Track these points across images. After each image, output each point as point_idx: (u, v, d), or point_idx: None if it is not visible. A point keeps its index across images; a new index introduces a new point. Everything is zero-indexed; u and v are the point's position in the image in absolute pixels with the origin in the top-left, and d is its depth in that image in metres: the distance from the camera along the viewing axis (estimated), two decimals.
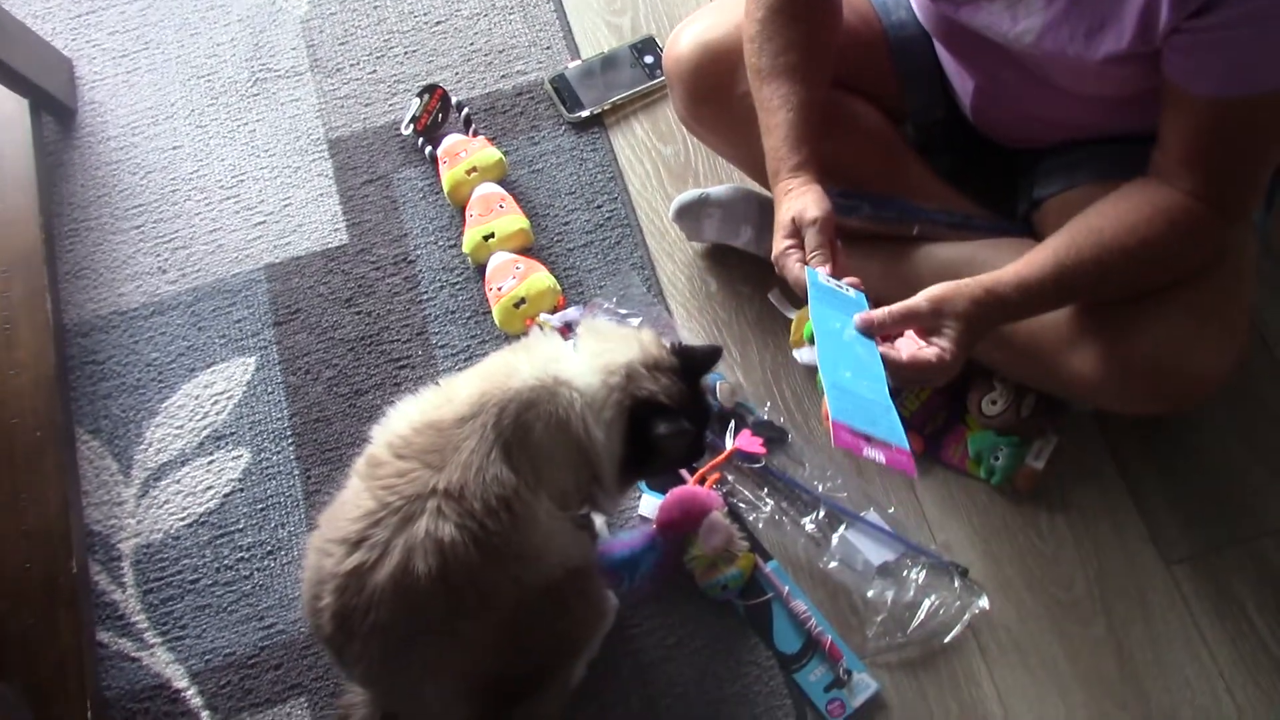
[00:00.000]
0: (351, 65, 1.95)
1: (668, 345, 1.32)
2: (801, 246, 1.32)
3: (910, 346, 1.23)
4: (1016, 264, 1.25)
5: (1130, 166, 1.36)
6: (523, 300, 1.64)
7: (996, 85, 1.44)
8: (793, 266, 1.32)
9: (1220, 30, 1.12)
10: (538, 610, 1.24)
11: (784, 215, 1.35)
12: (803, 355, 1.57)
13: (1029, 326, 1.39)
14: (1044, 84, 1.34)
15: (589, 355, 1.27)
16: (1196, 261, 1.29)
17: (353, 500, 1.20)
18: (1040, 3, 1.22)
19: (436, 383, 1.32)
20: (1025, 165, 1.56)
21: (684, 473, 1.55)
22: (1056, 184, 1.49)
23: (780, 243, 1.34)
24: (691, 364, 1.32)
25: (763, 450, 1.57)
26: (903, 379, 1.23)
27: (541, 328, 1.63)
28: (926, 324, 1.23)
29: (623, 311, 1.65)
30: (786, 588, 1.48)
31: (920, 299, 1.23)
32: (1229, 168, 1.22)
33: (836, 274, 1.30)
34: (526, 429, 1.21)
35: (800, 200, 1.34)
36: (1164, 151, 1.24)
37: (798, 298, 1.63)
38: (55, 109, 1.88)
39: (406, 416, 1.24)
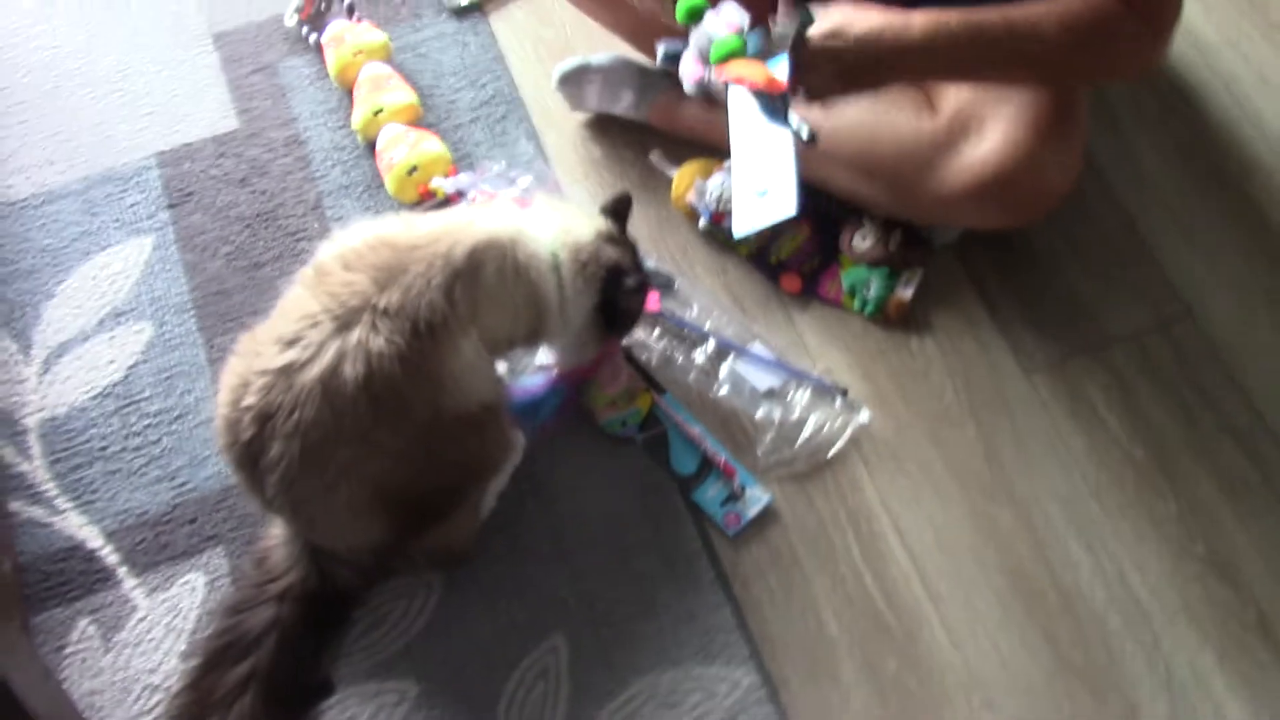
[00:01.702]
0: None
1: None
2: None
3: None
4: (925, 13, 1.30)
5: None
6: (415, 168, 1.70)
7: None
8: None
9: None
10: (450, 432, 1.31)
11: None
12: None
13: (891, 155, 1.51)
14: None
15: (554, 223, 1.39)
16: (1127, 65, 1.39)
17: (293, 303, 1.26)
18: None
19: None
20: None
21: None
22: None
23: None
24: (617, 217, 1.47)
25: (657, 307, 1.66)
26: None
27: (435, 194, 1.71)
28: (809, 63, 1.29)
29: (513, 174, 1.72)
30: (681, 416, 1.58)
31: (816, 31, 1.28)
32: None
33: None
34: (478, 266, 1.29)
35: None
36: None
37: (679, 159, 1.75)
38: None
39: (363, 232, 1.31)
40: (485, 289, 1.30)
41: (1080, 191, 1.58)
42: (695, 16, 1.31)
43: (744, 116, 1.30)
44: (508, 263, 1.32)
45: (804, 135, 1.26)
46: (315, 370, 1.21)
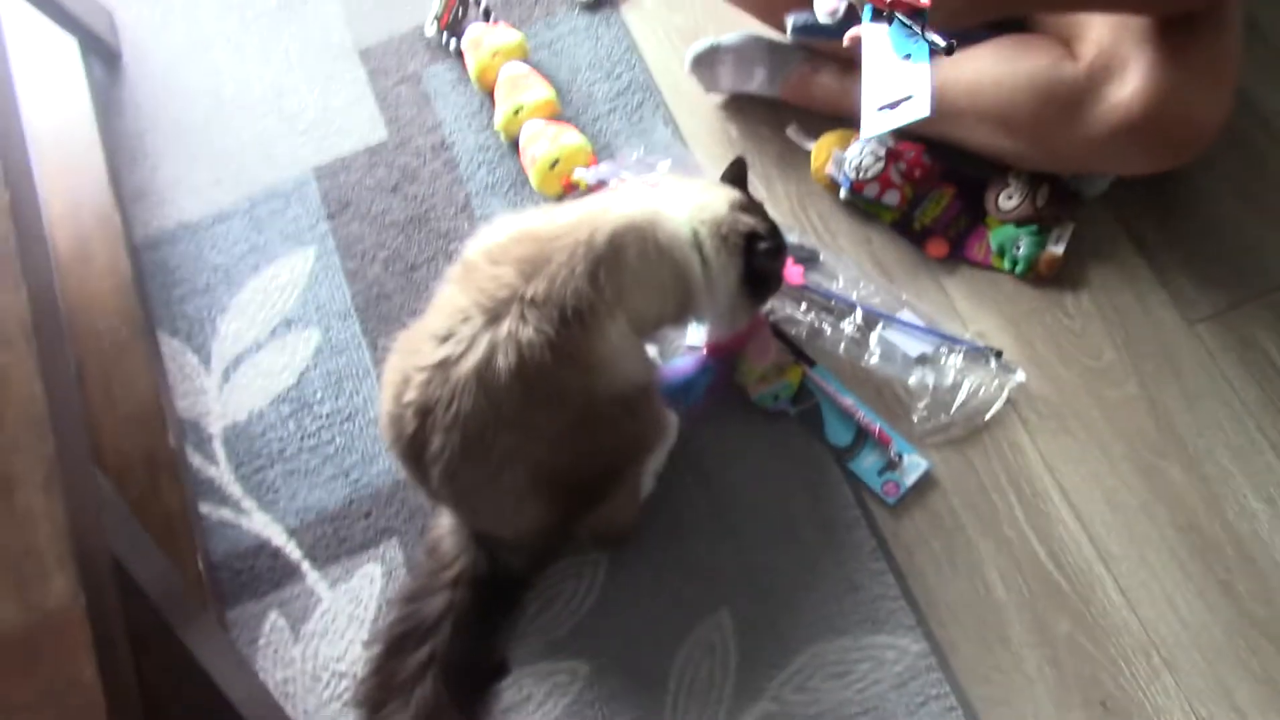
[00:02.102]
0: None
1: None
2: None
3: None
4: None
5: None
6: (557, 161, 1.74)
7: None
8: None
9: None
10: (605, 414, 1.34)
11: None
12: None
13: (1034, 104, 1.48)
14: None
15: (688, 200, 1.41)
16: None
17: (445, 300, 1.32)
18: None
19: None
20: None
21: None
22: None
23: None
24: (738, 181, 1.49)
25: (801, 281, 1.66)
26: None
27: (578, 185, 1.74)
28: None
29: (652, 159, 1.75)
30: (833, 387, 1.58)
31: None
32: None
33: None
34: (620, 250, 1.32)
35: None
36: None
37: (817, 132, 1.74)
38: (102, 52, 2.00)
39: (506, 227, 1.36)
40: (630, 272, 1.32)
41: (1237, 129, 1.54)
42: None
43: (878, 39, 1.27)
44: (649, 244, 1.34)
45: (941, 44, 1.20)
46: (470, 363, 1.25)
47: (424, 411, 1.28)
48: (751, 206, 1.47)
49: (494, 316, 1.27)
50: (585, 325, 1.29)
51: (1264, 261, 1.60)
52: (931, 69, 1.19)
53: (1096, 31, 1.46)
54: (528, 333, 1.25)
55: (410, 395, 1.29)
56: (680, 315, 1.45)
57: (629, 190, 1.41)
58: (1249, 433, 1.50)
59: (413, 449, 1.32)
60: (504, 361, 1.25)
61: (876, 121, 1.22)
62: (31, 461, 1.01)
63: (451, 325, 1.28)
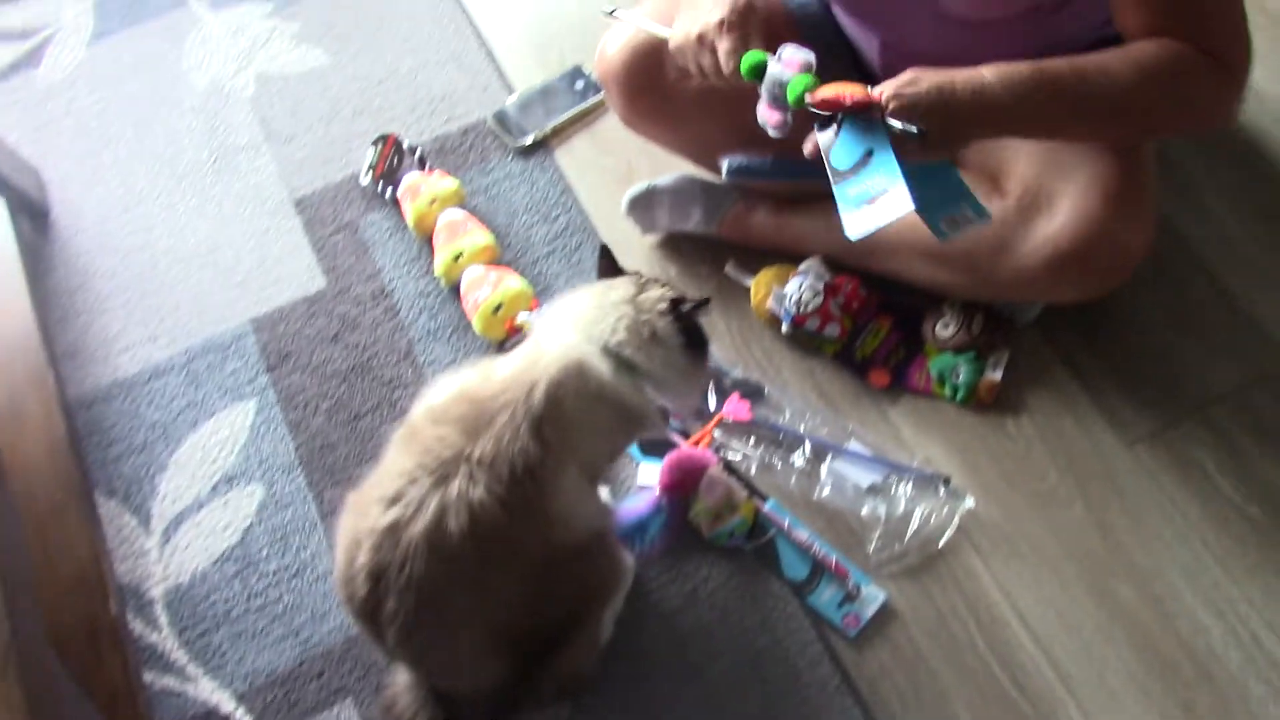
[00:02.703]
0: (305, 131, 2.08)
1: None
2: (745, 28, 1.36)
3: None
4: (996, 67, 1.29)
5: None
6: (500, 305, 1.75)
7: (899, 35, 1.59)
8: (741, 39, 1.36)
9: None
10: (561, 564, 1.33)
11: None
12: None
13: (968, 243, 1.53)
14: (944, 21, 1.49)
15: (588, 323, 1.38)
16: (1208, 109, 1.36)
17: (391, 463, 1.30)
18: None
19: None
20: None
21: (677, 437, 1.66)
22: None
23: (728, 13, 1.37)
24: (614, 268, 1.48)
25: (749, 416, 1.67)
26: None
27: (522, 329, 1.75)
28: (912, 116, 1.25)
29: None
30: (787, 521, 1.58)
31: (883, 86, 1.25)
32: (1206, 29, 1.30)
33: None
34: (557, 403, 1.30)
35: None
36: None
37: (753, 268, 1.78)
38: (30, 210, 1.98)
39: (446, 389, 1.35)
40: (573, 422, 1.31)
41: (1160, 256, 1.59)
42: (759, 71, 1.32)
43: (836, 140, 1.28)
44: (584, 388, 1.33)
45: (914, 130, 1.21)
46: (420, 526, 1.23)
47: (376, 575, 1.26)
48: (640, 279, 1.44)
49: (442, 478, 1.25)
50: (537, 480, 1.28)
51: (1193, 380, 1.66)
52: (902, 163, 1.20)
53: (1022, 167, 1.52)
54: (479, 493, 1.24)
55: (361, 559, 1.27)
56: (635, 436, 1.46)
57: (550, 332, 1.39)
58: (1194, 549, 1.53)
59: (366, 610, 1.29)
60: (455, 523, 1.23)
61: (859, 222, 1.22)
62: None
63: (399, 487, 1.26)
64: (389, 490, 1.27)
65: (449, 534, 1.23)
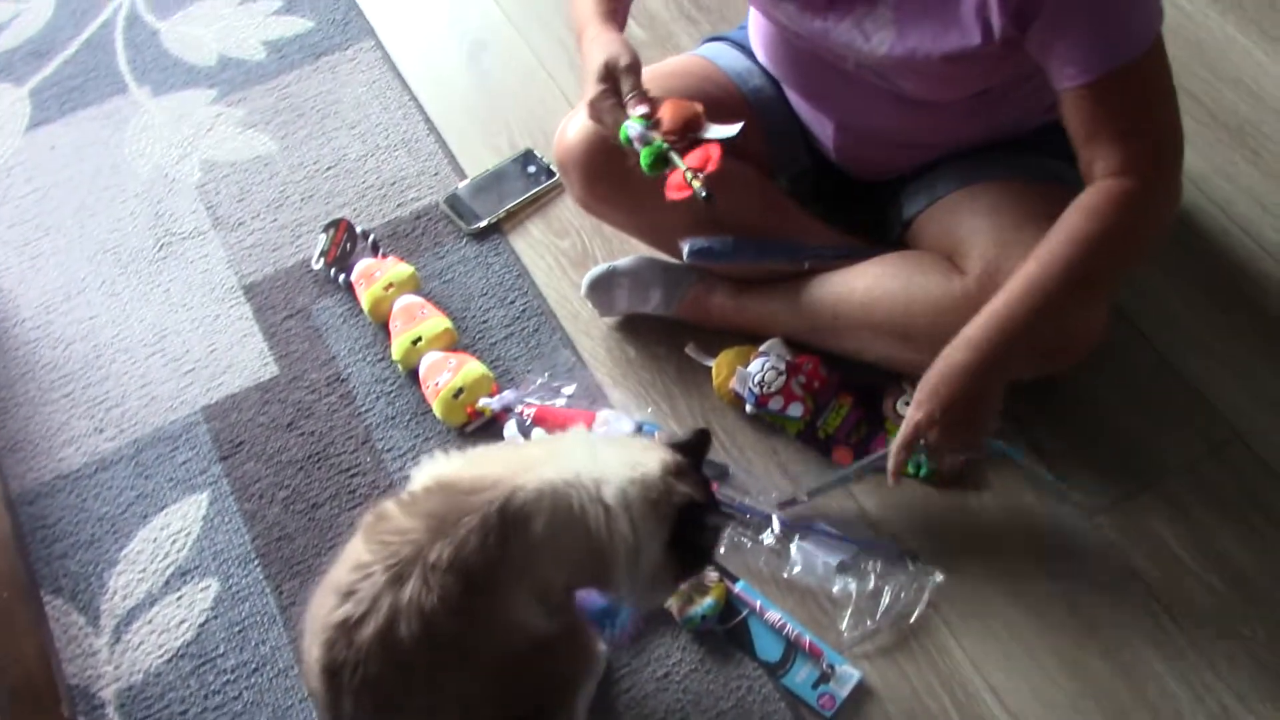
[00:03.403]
0: (253, 218, 2.06)
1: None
2: (616, 93, 1.45)
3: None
4: (992, 311, 1.42)
5: (987, 167, 1.56)
6: (461, 390, 1.73)
7: (853, 118, 1.64)
8: (609, 111, 1.45)
9: (1054, 31, 1.31)
10: (524, 661, 1.30)
11: (594, 62, 1.46)
12: None
13: (928, 318, 1.56)
14: (897, 102, 1.54)
15: (616, 462, 1.33)
16: (1154, 232, 1.43)
17: (351, 550, 1.26)
18: (888, 15, 1.41)
19: (390, 484, 1.47)
20: (891, 194, 1.75)
21: None
22: (922, 200, 1.67)
23: (593, 88, 1.46)
24: (693, 453, 1.40)
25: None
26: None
27: (483, 413, 1.74)
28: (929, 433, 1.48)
29: (556, 384, 1.76)
30: (758, 602, 1.58)
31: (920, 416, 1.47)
32: (1137, 124, 1.36)
33: (650, 116, 1.42)
34: (526, 520, 1.25)
35: (611, 48, 1.46)
36: (1079, 143, 1.39)
37: (713, 348, 1.79)
38: None
39: (430, 470, 1.32)
40: (534, 544, 1.26)
41: (1112, 335, 1.63)
42: (663, 163, 1.41)
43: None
44: (560, 514, 1.27)
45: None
46: (372, 627, 1.20)
47: (331, 672, 1.22)
48: (690, 474, 1.37)
49: (397, 577, 1.21)
50: (494, 591, 1.24)
51: (1149, 453, 1.69)
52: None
53: (980, 246, 1.55)
54: (431, 600, 1.19)
55: (315, 653, 1.24)
56: (594, 583, 1.39)
57: (564, 441, 1.37)
58: (1158, 618, 1.55)
59: (327, 704, 1.25)
60: (407, 630, 1.19)
61: None
62: None
63: (354, 580, 1.23)
64: (343, 582, 1.23)
65: (401, 639, 1.19)
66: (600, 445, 1.38)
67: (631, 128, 1.42)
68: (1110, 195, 1.37)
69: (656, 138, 1.40)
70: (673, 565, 1.36)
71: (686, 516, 1.32)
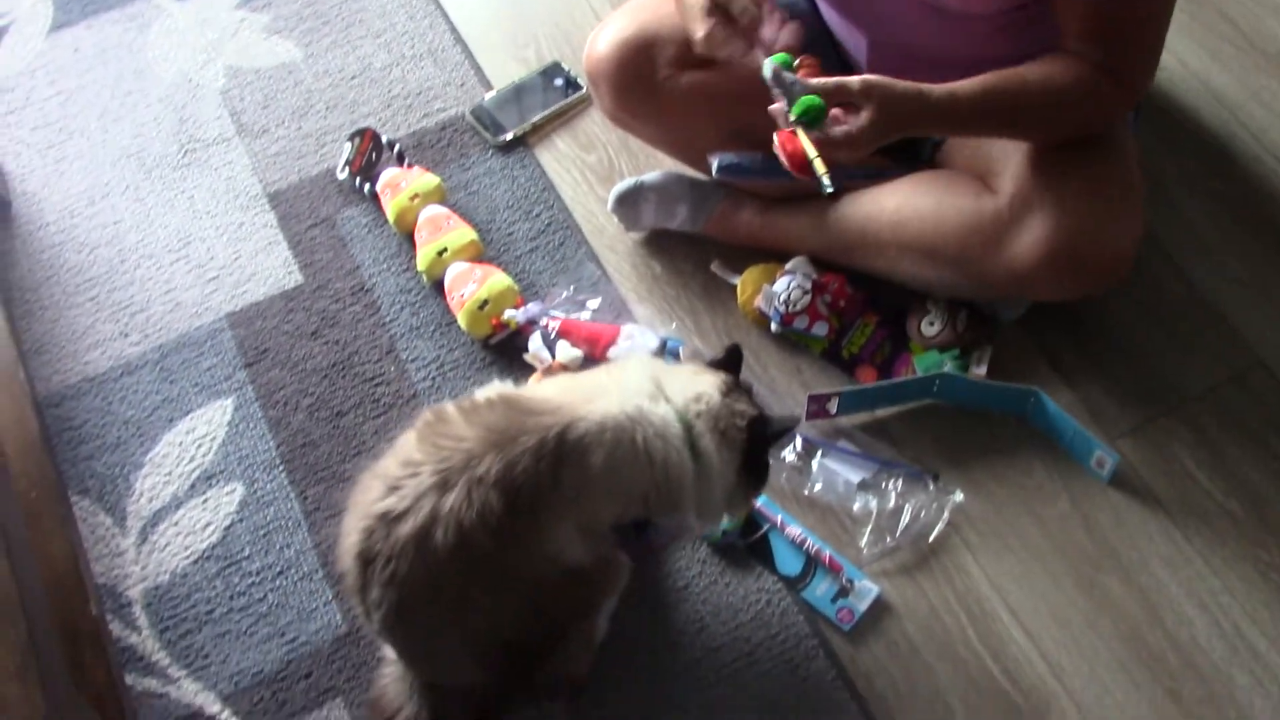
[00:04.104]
0: (277, 125, 2.05)
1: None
2: (730, 21, 1.44)
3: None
4: (950, 83, 1.41)
5: None
6: (486, 302, 1.74)
7: (887, 34, 1.61)
8: (726, 43, 1.44)
9: None
10: (555, 588, 1.30)
11: None
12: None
13: (958, 237, 1.55)
14: (933, 16, 1.51)
15: (680, 392, 1.34)
16: (1098, 122, 1.49)
17: (403, 445, 1.27)
18: None
19: (413, 393, 1.47)
20: None
21: None
22: None
23: (702, 24, 1.45)
24: (730, 368, 1.44)
25: None
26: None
27: (508, 325, 1.74)
28: (854, 100, 1.35)
29: (580, 298, 1.76)
30: (779, 517, 1.59)
31: (855, 79, 1.36)
32: (1122, 38, 1.40)
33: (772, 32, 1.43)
34: (584, 452, 1.25)
35: None
36: (1066, 36, 1.43)
37: (739, 266, 1.79)
38: None
39: (488, 389, 1.32)
40: (593, 478, 1.26)
41: (1141, 260, 1.62)
42: (818, 118, 1.36)
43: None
44: (622, 449, 1.27)
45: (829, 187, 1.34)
46: (409, 527, 1.20)
47: (364, 560, 1.24)
48: (742, 391, 1.40)
49: (443, 482, 1.21)
50: (536, 517, 1.24)
51: (1172, 378, 1.69)
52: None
53: (1012, 166, 1.54)
54: (471, 514, 1.19)
55: (352, 538, 1.25)
56: (655, 513, 1.39)
57: (616, 377, 1.35)
58: (1176, 542, 1.56)
59: (356, 589, 1.27)
60: (442, 538, 1.20)
61: None
62: (2, 647, 0.94)
63: (401, 476, 1.24)
64: (391, 475, 1.24)
65: (435, 545, 1.20)
66: (663, 375, 1.37)
67: (767, 66, 1.38)
68: (1085, 76, 1.42)
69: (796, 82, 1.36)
70: (745, 484, 1.39)
71: (755, 434, 1.35)
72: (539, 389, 1.34)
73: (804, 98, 1.34)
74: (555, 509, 1.25)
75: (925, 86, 1.40)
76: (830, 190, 1.34)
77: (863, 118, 1.35)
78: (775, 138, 1.38)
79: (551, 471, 1.23)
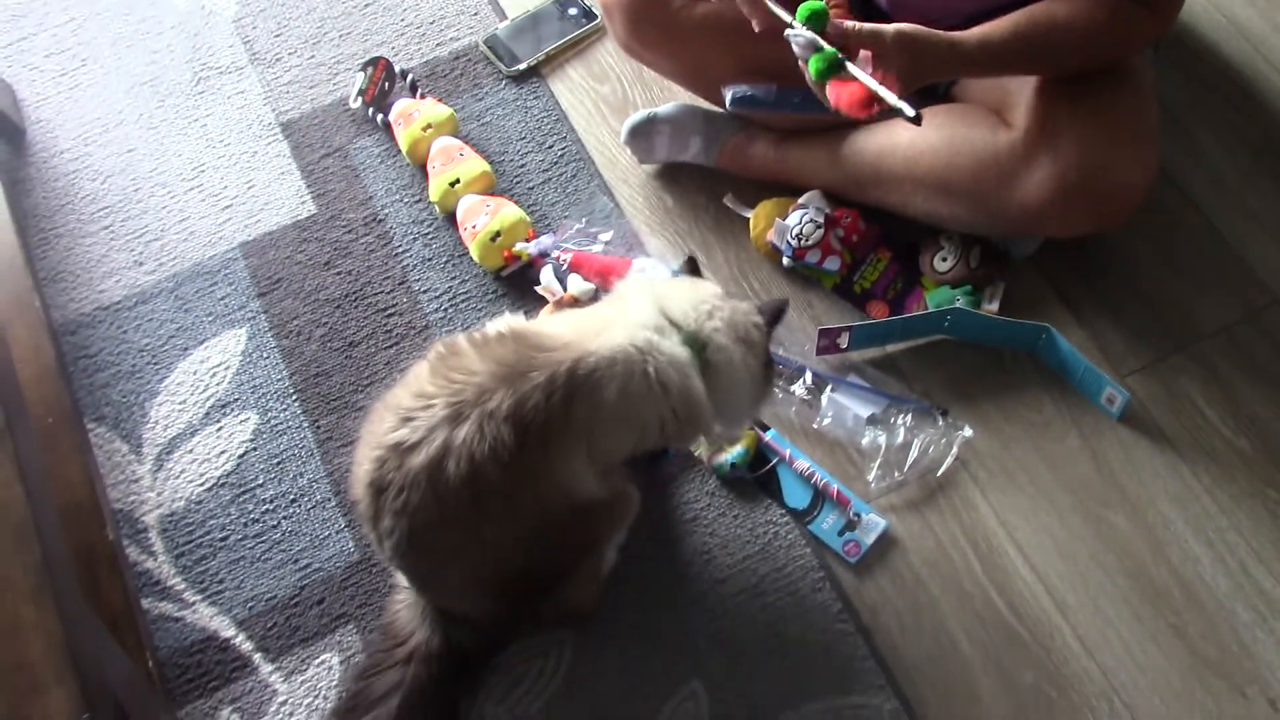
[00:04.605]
0: (290, 54, 2.04)
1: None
2: None
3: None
4: (980, 27, 1.40)
5: None
6: (498, 234, 1.74)
7: None
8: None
9: None
10: (564, 522, 1.32)
11: None
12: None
13: (972, 171, 1.54)
14: None
15: (683, 307, 1.36)
16: (1133, 50, 1.49)
17: (416, 377, 1.28)
18: None
19: (425, 324, 1.48)
20: None
21: None
22: None
23: None
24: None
25: None
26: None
27: (519, 257, 1.74)
28: (885, 51, 1.33)
29: (593, 230, 1.76)
30: (788, 450, 1.60)
31: (889, 29, 1.33)
32: None
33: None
34: (598, 387, 1.26)
35: None
36: None
37: (752, 200, 1.78)
38: (5, 128, 1.93)
39: (499, 322, 1.33)
40: (603, 411, 1.27)
41: (1155, 196, 1.61)
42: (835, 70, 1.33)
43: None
44: (634, 382, 1.28)
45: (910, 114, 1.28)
46: (422, 458, 1.22)
47: (377, 489, 1.26)
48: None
49: (455, 415, 1.22)
50: (548, 451, 1.25)
51: (1184, 316, 1.69)
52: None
53: (1028, 100, 1.53)
54: (483, 448, 1.20)
55: (366, 467, 1.27)
56: (672, 441, 1.42)
57: (622, 308, 1.36)
58: (1184, 479, 1.57)
59: (368, 517, 1.29)
60: (454, 469, 1.21)
61: None
62: (17, 569, 0.96)
63: (414, 408, 1.25)
64: (404, 406, 1.25)
65: (447, 476, 1.21)
66: (666, 298, 1.37)
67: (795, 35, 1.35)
68: (1120, 7, 1.42)
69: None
70: (765, 380, 1.44)
71: (774, 324, 1.41)
72: (548, 324, 1.34)
73: (819, 53, 1.32)
74: (567, 443, 1.26)
75: (956, 36, 1.38)
76: (913, 116, 1.27)
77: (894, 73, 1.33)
78: (830, 90, 1.34)
79: (563, 407, 1.24)
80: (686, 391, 1.31)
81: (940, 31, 1.38)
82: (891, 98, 1.27)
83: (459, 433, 1.21)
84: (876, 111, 1.31)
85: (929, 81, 1.41)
